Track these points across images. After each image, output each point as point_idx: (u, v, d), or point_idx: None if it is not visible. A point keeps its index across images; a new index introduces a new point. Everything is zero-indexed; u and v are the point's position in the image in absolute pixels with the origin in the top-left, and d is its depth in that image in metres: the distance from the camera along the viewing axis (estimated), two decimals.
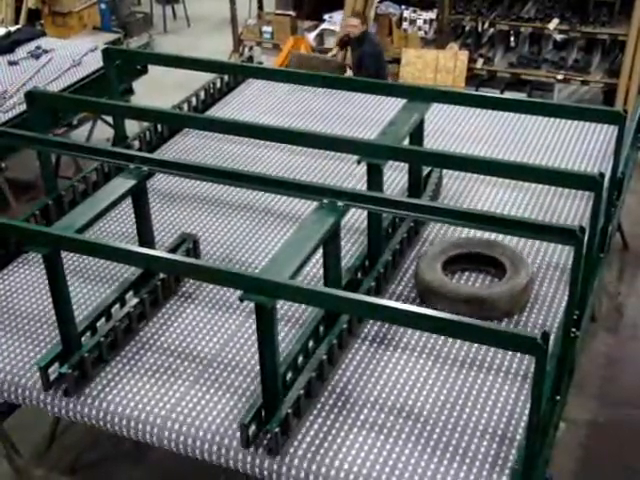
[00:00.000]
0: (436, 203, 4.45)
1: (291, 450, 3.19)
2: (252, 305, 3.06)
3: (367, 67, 7.89)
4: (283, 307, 3.89)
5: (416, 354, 3.66)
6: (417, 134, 4.43)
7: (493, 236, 4.19)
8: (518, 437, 3.22)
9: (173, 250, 4.15)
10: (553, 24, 8.61)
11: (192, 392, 3.48)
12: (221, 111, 5.92)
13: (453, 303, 3.75)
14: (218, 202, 4.83)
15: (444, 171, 4.82)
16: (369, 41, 7.99)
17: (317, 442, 3.23)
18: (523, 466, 2.97)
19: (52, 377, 3.51)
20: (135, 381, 3.56)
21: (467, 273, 4.12)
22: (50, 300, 3.55)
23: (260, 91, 6.21)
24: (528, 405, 2.87)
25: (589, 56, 8.95)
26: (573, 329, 3.50)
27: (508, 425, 3.28)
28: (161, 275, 3.99)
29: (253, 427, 3.19)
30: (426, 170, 4.66)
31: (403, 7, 9.58)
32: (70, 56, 7.43)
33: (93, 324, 3.72)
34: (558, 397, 3.43)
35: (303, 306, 3.89)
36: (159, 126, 5.50)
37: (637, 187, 6.40)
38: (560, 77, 8.76)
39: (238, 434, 3.21)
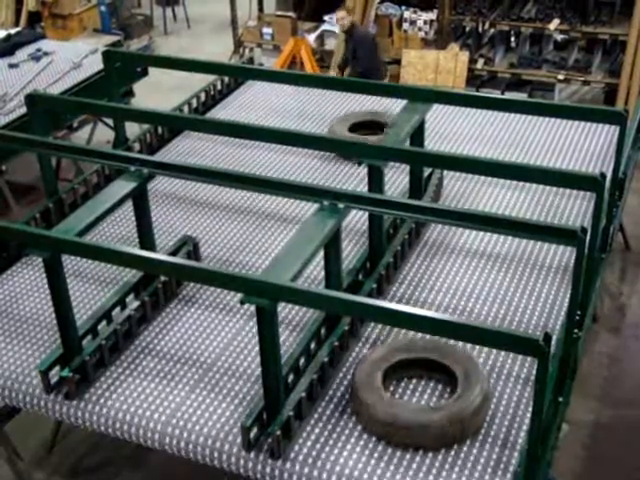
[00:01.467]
0: (437, 204, 4.44)
1: (292, 453, 3.18)
2: (253, 308, 3.06)
3: (361, 56, 7.96)
4: (284, 310, 3.88)
5: None
6: (418, 135, 4.42)
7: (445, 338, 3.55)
8: (520, 440, 3.20)
9: (174, 253, 4.14)
10: (554, 24, 8.59)
11: (193, 395, 3.47)
12: (221, 113, 5.91)
13: (390, 429, 3.18)
14: (219, 204, 4.82)
15: (445, 172, 4.81)
16: (358, 29, 8.11)
17: (318, 446, 3.21)
18: (525, 468, 2.96)
19: (53, 381, 3.50)
20: (136, 384, 3.55)
21: (414, 381, 3.49)
22: (51, 303, 3.54)
23: (261, 93, 6.20)
24: (530, 407, 2.86)
25: (590, 56, 8.94)
26: (575, 330, 3.49)
27: (510, 429, 3.26)
28: (162, 278, 3.98)
29: (255, 430, 3.18)
30: (427, 171, 4.65)
31: (403, 8, 9.58)
32: (70, 58, 7.42)
33: (94, 327, 3.71)
34: (560, 398, 3.42)
35: (304, 309, 3.88)
36: (159, 128, 5.49)
37: (639, 187, 6.39)
38: (561, 77, 8.75)
39: (239, 438, 3.20)
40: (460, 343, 3.50)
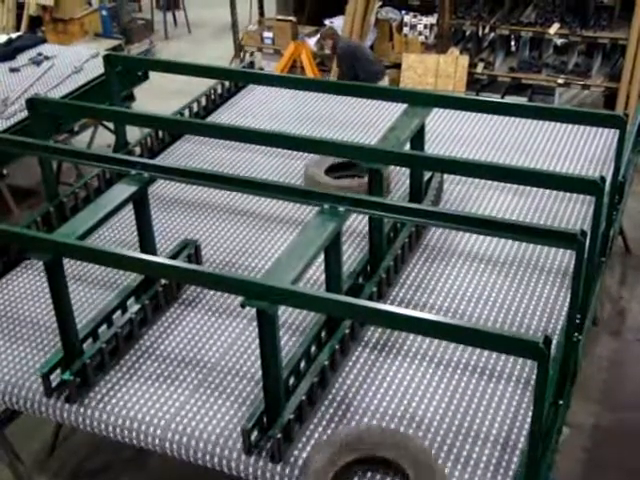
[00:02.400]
0: (437, 208, 4.45)
1: (293, 457, 3.19)
2: (254, 311, 3.06)
3: (342, 65, 8.12)
4: (284, 313, 3.88)
5: (418, 360, 3.65)
6: (418, 139, 4.43)
7: (403, 426, 3.30)
8: (521, 442, 3.21)
9: (174, 256, 4.14)
10: (553, 28, 8.61)
11: (194, 398, 3.48)
12: (222, 117, 5.92)
13: None
14: (219, 208, 4.83)
15: (445, 176, 4.81)
16: (339, 47, 8.21)
17: None
18: (526, 471, 2.96)
19: (54, 384, 3.50)
20: (137, 388, 3.55)
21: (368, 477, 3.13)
22: (52, 307, 3.54)
23: (261, 97, 6.21)
24: (531, 410, 2.86)
25: (590, 60, 8.96)
26: (575, 333, 3.49)
27: (511, 431, 3.27)
28: (162, 281, 3.98)
29: (255, 433, 3.19)
30: (427, 175, 4.66)
31: (403, 12, 9.60)
32: (71, 63, 7.44)
33: (95, 331, 3.71)
34: (561, 401, 3.42)
35: (304, 312, 3.88)
36: (160, 132, 5.50)
37: (639, 191, 6.41)
38: (561, 81, 8.76)
39: (240, 441, 3.21)
40: (420, 433, 3.26)
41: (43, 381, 3.49)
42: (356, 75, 8.00)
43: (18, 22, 10.98)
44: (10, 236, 3.71)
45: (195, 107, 5.83)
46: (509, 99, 8.55)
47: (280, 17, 10.40)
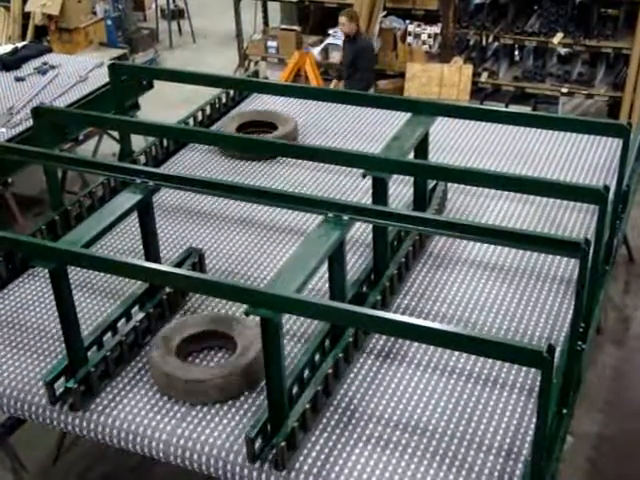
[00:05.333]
0: (441, 217, 4.45)
1: (297, 465, 3.19)
2: (257, 319, 3.07)
3: (364, 60, 8.13)
4: (288, 322, 3.89)
5: (422, 368, 3.65)
6: (422, 148, 4.45)
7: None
8: (524, 451, 3.21)
9: (179, 264, 4.15)
10: (557, 38, 8.64)
11: (198, 407, 3.48)
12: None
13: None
14: (224, 216, 4.84)
15: (449, 184, 4.82)
16: (362, 38, 8.23)
17: (323, 457, 3.22)
18: None
19: (58, 392, 3.51)
20: (141, 396, 3.56)
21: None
22: (56, 315, 3.55)
23: (265, 106, 6.23)
24: (534, 419, 2.86)
25: (593, 69, 8.98)
26: (579, 342, 3.49)
27: (514, 439, 3.27)
28: (167, 289, 3.99)
29: (259, 441, 3.19)
30: (431, 184, 4.67)
31: (407, 22, 9.64)
32: (76, 72, 7.48)
33: (99, 339, 3.72)
34: (565, 410, 3.42)
35: (308, 320, 3.89)
36: (165, 141, 5.52)
37: None
38: (564, 90, 8.78)
39: (244, 449, 3.21)
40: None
41: (47, 389, 3.49)
42: (370, 73, 8.07)
43: (24, 32, 11.04)
44: (15, 244, 3.72)
45: (200, 116, 5.85)
46: (513, 108, 8.57)
47: (284, 26, 10.45)
